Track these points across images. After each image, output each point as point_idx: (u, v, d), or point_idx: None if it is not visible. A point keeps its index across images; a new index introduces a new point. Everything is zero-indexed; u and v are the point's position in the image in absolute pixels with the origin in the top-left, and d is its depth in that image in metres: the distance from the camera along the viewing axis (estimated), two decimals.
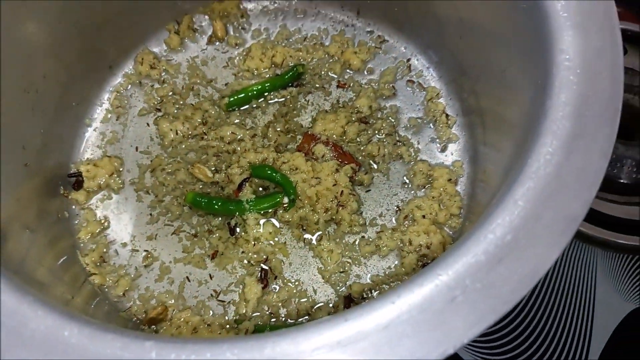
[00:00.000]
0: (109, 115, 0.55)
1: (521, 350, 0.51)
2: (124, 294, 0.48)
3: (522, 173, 0.28)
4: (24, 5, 0.44)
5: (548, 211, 0.27)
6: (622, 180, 0.55)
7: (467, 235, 0.27)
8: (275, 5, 0.59)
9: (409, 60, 0.56)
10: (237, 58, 0.58)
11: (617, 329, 0.51)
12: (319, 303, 0.48)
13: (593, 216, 0.54)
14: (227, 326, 0.46)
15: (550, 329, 0.52)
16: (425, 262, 0.48)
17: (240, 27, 0.59)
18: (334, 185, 0.50)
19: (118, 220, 0.51)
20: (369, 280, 0.48)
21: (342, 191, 0.49)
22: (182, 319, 0.47)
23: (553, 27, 0.32)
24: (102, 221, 0.51)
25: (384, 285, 0.48)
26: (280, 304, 0.47)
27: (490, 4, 0.40)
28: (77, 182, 0.52)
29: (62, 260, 0.48)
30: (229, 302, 0.48)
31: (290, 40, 0.58)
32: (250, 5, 0.59)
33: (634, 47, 0.62)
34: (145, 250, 0.50)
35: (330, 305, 0.47)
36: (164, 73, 0.57)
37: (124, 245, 0.50)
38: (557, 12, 0.32)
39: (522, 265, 0.26)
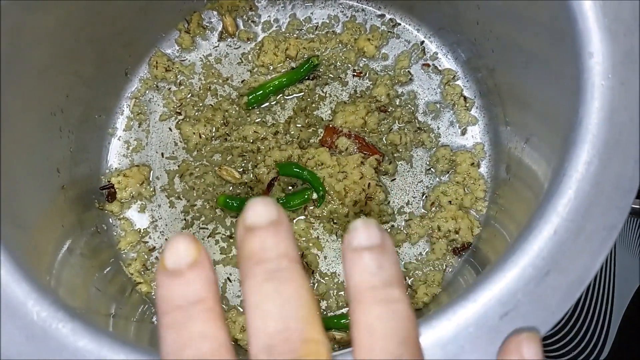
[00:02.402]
0: (131, 123, 0.56)
1: None
2: None
3: (561, 184, 0.30)
4: (44, 28, 0.44)
5: (589, 222, 0.29)
6: None
7: (512, 249, 0.29)
8: None
9: (422, 42, 0.56)
10: (251, 53, 0.57)
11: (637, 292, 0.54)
12: None
13: None
14: None
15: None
16: (455, 246, 0.50)
17: (250, 21, 0.58)
18: (361, 178, 0.51)
19: (154, 227, 0.53)
20: (402, 268, 0.50)
21: (369, 183, 0.51)
22: (229, 319, 0.49)
23: (581, 28, 0.32)
24: (140, 230, 0.53)
25: (416, 272, 0.50)
26: (319, 297, 0.50)
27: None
28: (110, 194, 0.53)
29: (106, 271, 0.50)
30: None
31: (302, 30, 0.58)
32: None
33: None
34: None
35: None
36: (179, 75, 0.57)
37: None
38: (585, 13, 0.32)
39: (568, 276, 0.28)
